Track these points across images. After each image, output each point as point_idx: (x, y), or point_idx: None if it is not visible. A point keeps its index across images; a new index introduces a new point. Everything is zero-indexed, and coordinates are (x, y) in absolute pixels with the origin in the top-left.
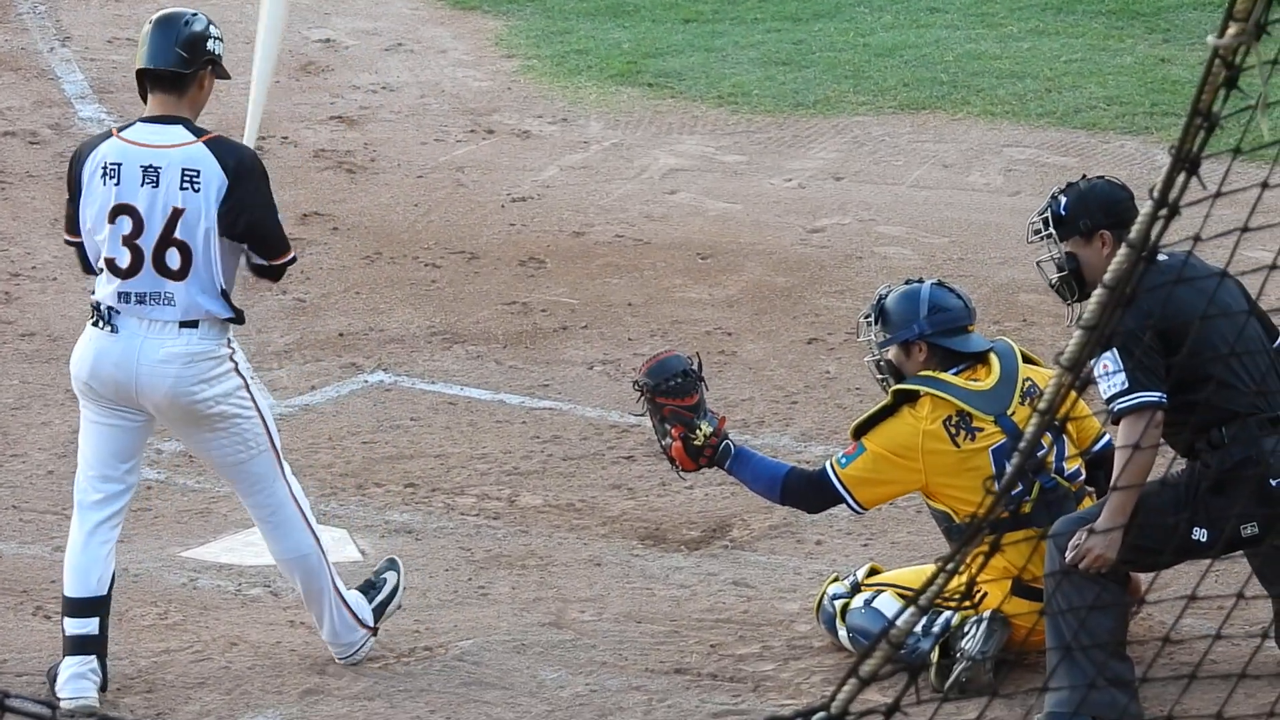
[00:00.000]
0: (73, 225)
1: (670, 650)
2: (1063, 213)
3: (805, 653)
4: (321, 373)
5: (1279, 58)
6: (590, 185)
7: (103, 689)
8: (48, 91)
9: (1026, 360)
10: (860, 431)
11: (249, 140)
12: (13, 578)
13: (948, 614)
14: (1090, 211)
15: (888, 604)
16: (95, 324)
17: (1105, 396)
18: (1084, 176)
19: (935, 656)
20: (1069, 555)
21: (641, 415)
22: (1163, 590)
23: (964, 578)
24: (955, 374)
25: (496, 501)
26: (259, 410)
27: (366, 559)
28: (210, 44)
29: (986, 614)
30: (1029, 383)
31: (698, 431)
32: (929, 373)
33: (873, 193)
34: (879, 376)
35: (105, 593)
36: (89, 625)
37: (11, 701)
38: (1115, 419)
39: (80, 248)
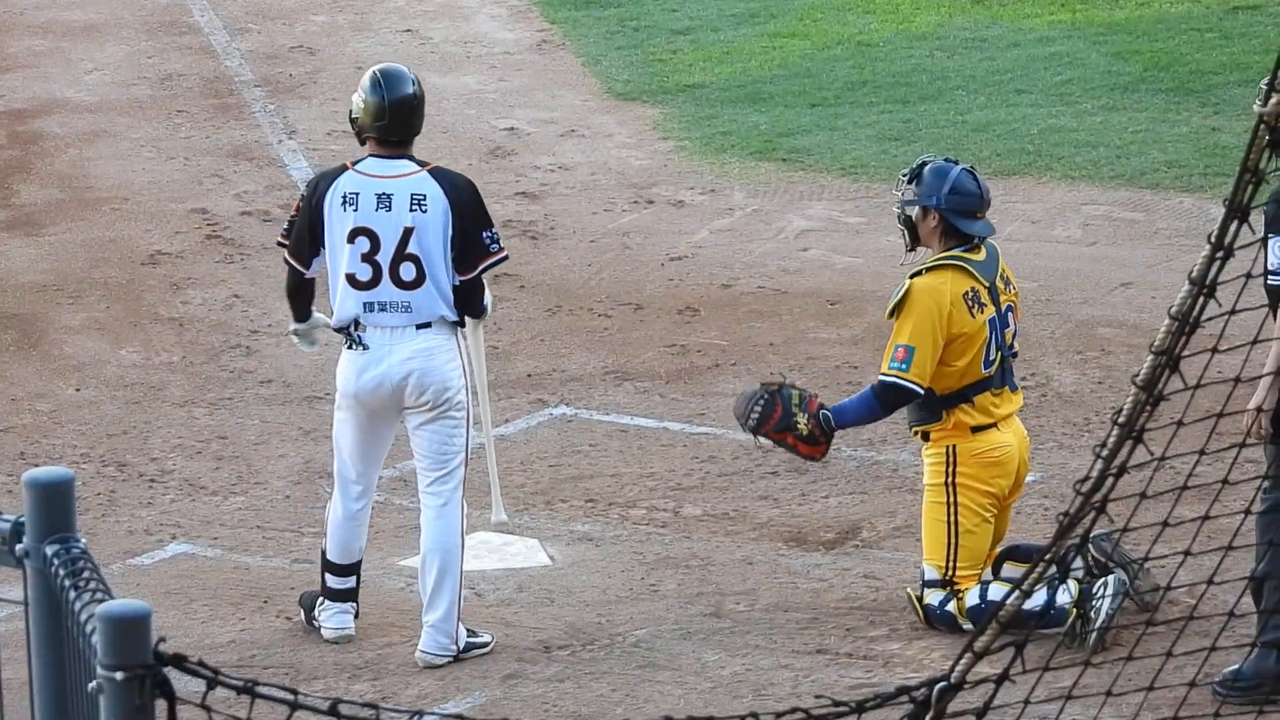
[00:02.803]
0: (301, 246)
1: (812, 634)
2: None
3: (926, 633)
4: (513, 408)
5: None
6: (735, 245)
7: (355, 616)
8: (277, 177)
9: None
10: (895, 314)
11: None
12: (259, 586)
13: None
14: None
15: (998, 592)
16: (349, 347)
17: (1271, 268)
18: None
19: (1073, 610)
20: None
21: (769, 449)
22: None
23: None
24: (963, 251)
25: (663, 512)
26: (469, 411)
27: (555, 563)
28: None
29: (1112, 581)
30: (1004, 274)
31: (799, 427)
32: (947, 253)
33: None
34: (900, 226)
35: (360, 559)
36: (348, 581)
37: (260, 689)
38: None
39: (294, 269)
